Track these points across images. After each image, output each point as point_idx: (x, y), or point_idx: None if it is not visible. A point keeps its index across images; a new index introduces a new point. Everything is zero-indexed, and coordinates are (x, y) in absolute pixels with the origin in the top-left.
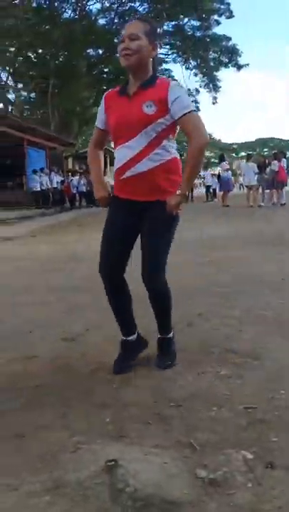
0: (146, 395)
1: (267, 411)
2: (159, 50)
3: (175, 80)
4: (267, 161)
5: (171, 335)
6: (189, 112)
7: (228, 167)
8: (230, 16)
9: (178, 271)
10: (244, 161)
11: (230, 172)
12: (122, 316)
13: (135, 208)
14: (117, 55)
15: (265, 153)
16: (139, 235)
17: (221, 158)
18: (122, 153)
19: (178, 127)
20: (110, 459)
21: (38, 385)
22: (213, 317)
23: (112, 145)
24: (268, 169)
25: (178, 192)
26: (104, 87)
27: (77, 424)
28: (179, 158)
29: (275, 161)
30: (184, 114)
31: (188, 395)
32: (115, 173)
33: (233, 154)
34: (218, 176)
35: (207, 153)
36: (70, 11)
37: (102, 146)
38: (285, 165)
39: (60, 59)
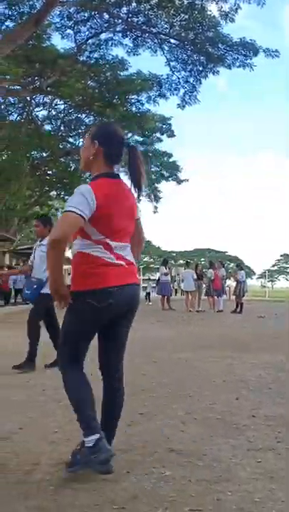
0: (86, 498)
1: None
2: None
3: None
4: (201, 269)
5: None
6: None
7: (167, 272)
8: (172, 135)
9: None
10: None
11: (169, 277)
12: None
13: None
14: (61, 159)
15: (202, 262)
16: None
17: (164, 263)
18: None
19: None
20: None
21: None
22: (156, 417)
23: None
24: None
25: None
26: (47, 188)
27: None
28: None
29: (211, 270)
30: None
31: (131, 497)
32: None
33: (172, 261)
34: (158, 281)
35: (146, 259)
36: (16, 115)
37: None
38: (221, 274)
39: (4, 157)
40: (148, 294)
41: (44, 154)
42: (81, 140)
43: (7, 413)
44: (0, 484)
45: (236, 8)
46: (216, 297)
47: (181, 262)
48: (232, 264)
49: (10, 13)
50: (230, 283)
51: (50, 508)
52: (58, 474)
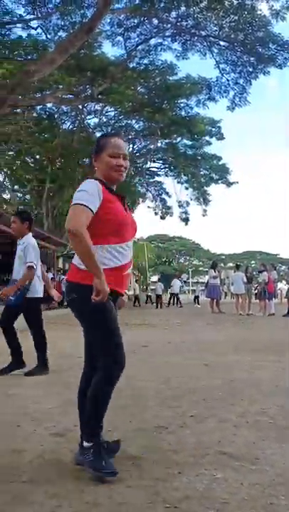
0: (140, 495)
1: None
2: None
3: None
4: (251, 272)
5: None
6: None
7: (216, 275)
8: (221, 137)
9: (173, 371)
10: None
11: (218, 280)
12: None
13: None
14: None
15: (253, 265)
16: None
17: (213, 266)
18: (129, 251)
19: None
20: None
21: (26, 480)
22: (207, 419)
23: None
24: (259, 279)
25: None
26: None
27: None
28: None
29: (265, 273)
30: None
31: (183, 497)
32: (119, 268)
33: (222, 264)
34: (206, 284)
35: (195, 262)
36: (68, 123)
37: None
38: (273, 277)
39: (57, 165)
40: (196, 297)
41: None
42: (131, 146)
43: (64, 410)
44: (57, 478)
45: (288, 6)
46: (267, 300)
47: (231, 264)
48: (284, 267)
49: (62, 23)
50: (282, 286)
51: (105, 503)
52: None
